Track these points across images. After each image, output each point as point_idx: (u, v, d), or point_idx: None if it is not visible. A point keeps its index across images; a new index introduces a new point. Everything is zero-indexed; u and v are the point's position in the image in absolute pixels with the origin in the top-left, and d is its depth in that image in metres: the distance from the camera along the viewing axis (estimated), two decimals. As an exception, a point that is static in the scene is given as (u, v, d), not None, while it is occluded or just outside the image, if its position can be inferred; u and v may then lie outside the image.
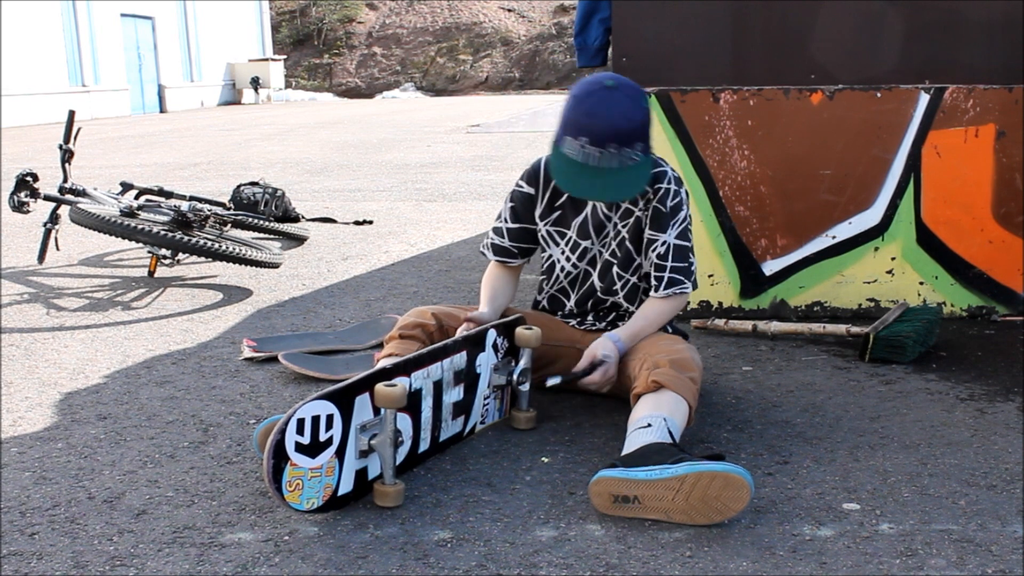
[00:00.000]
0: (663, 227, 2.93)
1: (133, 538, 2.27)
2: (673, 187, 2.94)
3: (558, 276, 3.12)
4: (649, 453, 2.37)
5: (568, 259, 3.08)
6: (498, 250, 3.14)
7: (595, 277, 3.07)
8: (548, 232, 3.09)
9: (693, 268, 2.98)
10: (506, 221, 3.13)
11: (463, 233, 6.45)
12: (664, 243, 2.93)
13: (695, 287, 2.99)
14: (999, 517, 2.33)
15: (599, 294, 3.07)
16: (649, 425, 2.50)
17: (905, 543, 2.21)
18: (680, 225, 2.94)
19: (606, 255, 3.03)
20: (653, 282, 2.96)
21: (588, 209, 3.02)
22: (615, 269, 3.03)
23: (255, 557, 2.18)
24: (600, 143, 2.73)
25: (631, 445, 2.47)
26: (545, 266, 3.16)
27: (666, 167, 2.97)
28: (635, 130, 2.75)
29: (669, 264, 2.93)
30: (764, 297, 4.13)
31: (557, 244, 3.09)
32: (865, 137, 3.99)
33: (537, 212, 3.09)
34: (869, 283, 4.09)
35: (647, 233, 2.96)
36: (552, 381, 2.80)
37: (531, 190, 3.09)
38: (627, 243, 3.00)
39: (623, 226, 3.00)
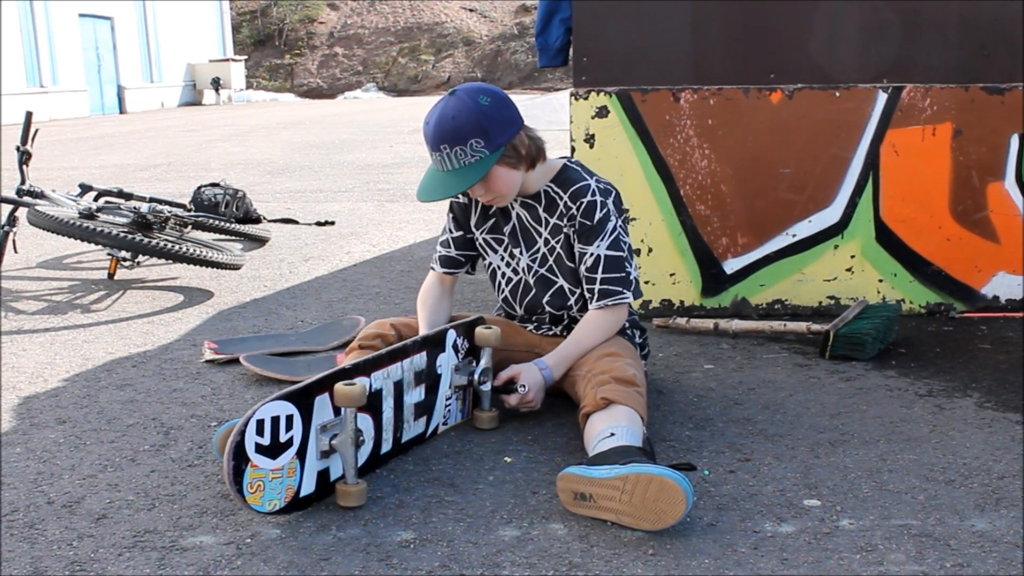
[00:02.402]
0: (590, 240, 2.92)
1: (93, 543, 2.25)
2: (599, 199, 2.92)
3: (500, 284, 3.15)
4: (611, 454, 2.37)
5: (508, 265, 3.10)
6: (445, 261, 3.16)
7: (535, 290, 3.07)
8: (485, 240, 3.12)
9: (632, 277, 2.95)
10: (450, 232, 3.16)
11: (425, 233, 6.44)
12: (593, 255, 2.92)
13: (638, 296, 2.97)
14: (957, 512, 2.35)
15: (552, 310, 3.08)
16: (613, 434, 2.49)
17: (865, 538, 2.23)
18: (610, 236, 2.92)
19: (543, 271, 3.04)
20: (587, 295, 2.97)
21: (514, 217, 3.04)
22: (566, 286, 3.04)
23: (217, 560, 2.16)
24: (435, 147, 2.78)
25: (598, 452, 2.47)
26: (488, 274, 3.20)
27: (589, 181, 2.95)
28: (461, 127, 2.74)
29: (599, 276, 2.91)
30: (725, 295, 4.15)
31: (495, 251, 3.12)
32: (824, 136, 4.02)
33: (472, 221, 3.12)
34: (829, 281, 4.12)
35: (576, 247, 2.96)
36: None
37: (464, 199, 3.11)
38: (565, 260, 3.01)
39: (556, 242, 3.00)
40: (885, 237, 4.07)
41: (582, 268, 2.96)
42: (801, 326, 3.76)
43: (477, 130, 2.75)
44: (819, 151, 4.03)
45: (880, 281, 4.11)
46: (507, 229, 3.07)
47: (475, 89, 2.82)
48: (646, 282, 4.12)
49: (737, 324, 3.85)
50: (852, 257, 4.09)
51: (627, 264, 2.94)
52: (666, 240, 4.08)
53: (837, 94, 3.99)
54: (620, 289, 2.92)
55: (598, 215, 2.91)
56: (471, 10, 41.66)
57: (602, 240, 2.91)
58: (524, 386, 2.85)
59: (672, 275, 4.12)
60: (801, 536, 2.24)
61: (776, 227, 4.09)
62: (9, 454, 2.79)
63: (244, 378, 3.44)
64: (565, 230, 2.97)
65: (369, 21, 41.82)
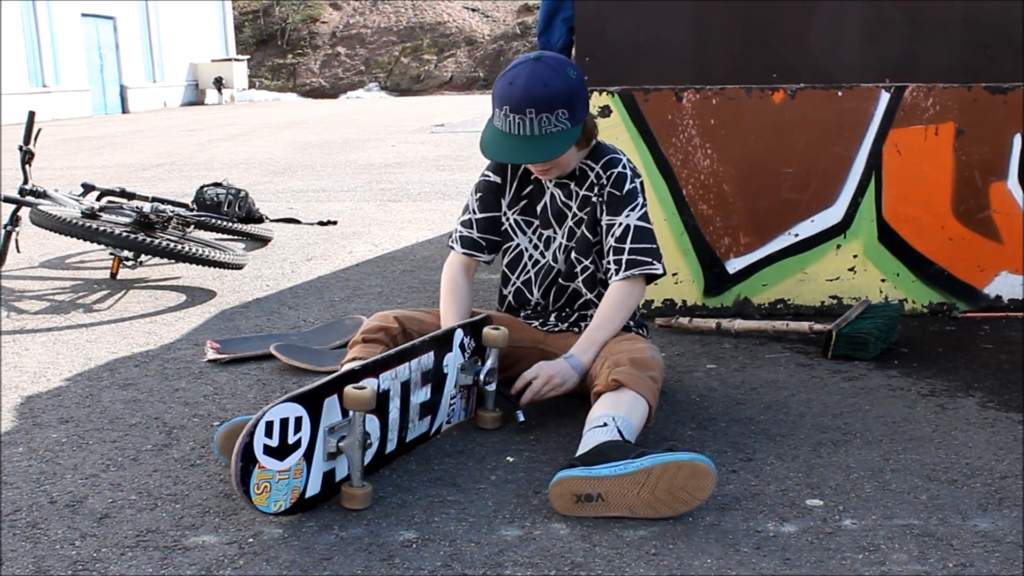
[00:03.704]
0: (619, 210, 2.92)
1: (96, 542, 2.26)
2: (628, 172, 2.95)
3: (525, 265, 3.12)
4: (607, 450, 2.38)
5: (536, 247, 3.09)
6: (466, 242, 3.12)
7: (562, 270, 3.07)
8: (515, 221, 3.10)
9: (659, 251, 2.95)
10: (474, 212, 3.12)
11: (428, 233, 6.44)
12: (622, 225, 2.92)
13: (664, 272, 2.96)
14: (960, 511, 2.35)
15: (561, 280, 3.07)
16: (605, 424, 2.51)
17: (868, 538, 2.23)
18: (640, 209, 2.93)
19: (573, 245, 3.04)
20: (612, 267, 2.94)
21: (547, 197, 3.04)
22: (573, 254, 3.04)
23: (219, 560, 2.16)
24: (519, 109, 2.77)
25: (586, 444, 2.48)
26: (511, 257, 3.15)
27: (621, 155, 2.99)
28: (554, 95, 2.75)
29: (628, 245, 2.90)
30: (728, 295, 4.15)
31: (524, 232, 3.10)
32: (827, 135, 4.02)
33: (505, 201, 3.10)
34: (831, 280, 4.12)
35: (604, 219, 2.95)
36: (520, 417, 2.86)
37: (498, 179, 3.10)
38: (584, 227, 3.00)
39: (584, 213, 3.00)
40: (887, 237, 4.07)
41: (609, 239, 2.94)
42: (803, 326, 3.75)
43: (566, 102, 2.77)
44: (821, 151, 4.03)
45: (882, 281, 4.11)
46: (539, 207, 3.06)
47: (563, 61, 2.84)
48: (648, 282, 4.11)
49: (739, 324, 3.85)
50: (854, 257, 4.09)
51: (655, 239, 2.93)
52: (668, 240, 4.08)
53: (839, 94, 3.99)
54: (650, 260, 2.90)
55: (628, 186, 2.93)
56: (473, 10, 41.65)
57: (632, 211, 2.92)
58: (522, 416, 2.86)
59: (674, 275, 4.12)
60: (803, 536, 2.24)
61: (778, 227, 4.09)
62: (11, 453, 2.79)
63: (246, 378, 3.44)
64: (594, 199, 2.97)
65: (371, 21, 41.82)
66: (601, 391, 2.66)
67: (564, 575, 2.08)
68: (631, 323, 3.07)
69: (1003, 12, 3.91)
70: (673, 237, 4.08)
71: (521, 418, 2.84)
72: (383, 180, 9.55)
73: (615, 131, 3.98)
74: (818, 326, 3.71)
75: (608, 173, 2.94)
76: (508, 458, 2.71)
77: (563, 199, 3.03)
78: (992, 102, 3.96)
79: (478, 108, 23.11)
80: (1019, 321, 4.01)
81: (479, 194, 3.12)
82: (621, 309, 2.91)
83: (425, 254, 5.70)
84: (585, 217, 3.00)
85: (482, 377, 2.91)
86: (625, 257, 2.91)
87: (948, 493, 2.45)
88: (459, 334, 2.88)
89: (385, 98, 35.40)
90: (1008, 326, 3.95)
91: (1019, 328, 3.92)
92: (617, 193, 2.93)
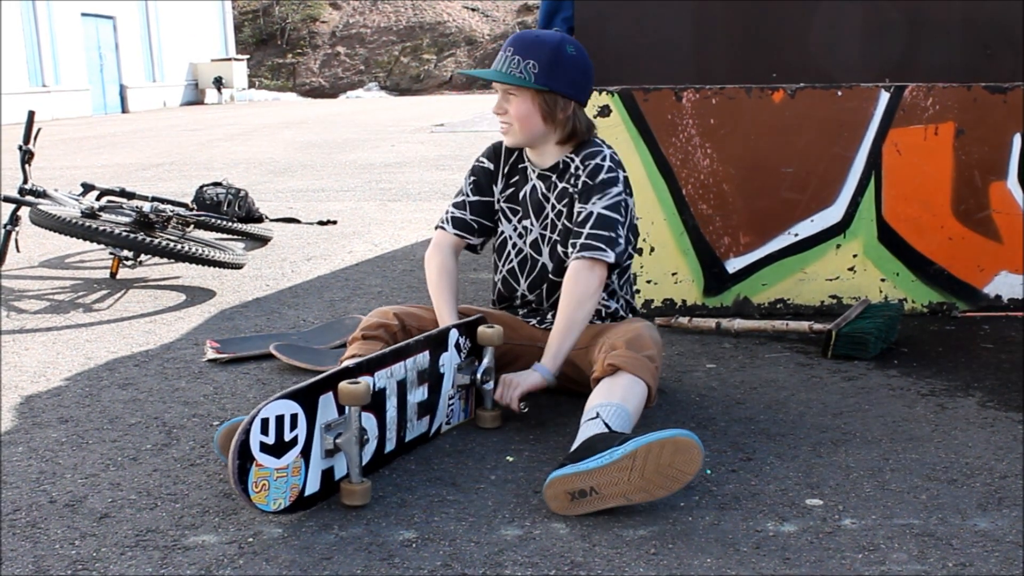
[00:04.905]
0: (589, 198, 2.88)
1: (96, 542, 2.26)
2: (607, 164, 2.90)
3: (509, 254, 3.14)
4: (594, 443, 2.38)
5: (521, 236, 3.11)
6: (458, 223, 3.15)
7: (543, 261, 3.06)
8: (503, 208, 3.13)
9: (619, 240, 2.84)
10: (467, 195, 3.15)
11: (427, 233, 6.43)
12: (586, 211, 2.87)
13: (618, 260, 2.84)
14: (959, 511, 2.35)
15: (551, 276, 3.06)
16: (596, 416, 2.52)
17: (867, 538, 2.22)
18: (610, 199, 2.86)
19: (554, 236, 3.03)
20: (570, 250, 2.88)
21: (528, 187, 3.06)
22: (559, 248, 3.02)
23: (219, 559, 2.16)
24: (505, 46, 2.92)
25: (578, 439, 2.49)
26: (498, 243, 3.17)
27: (604, 148, 2.96)
28: (534, 47, 2.85)
29: (586, 230, 2.84)
30: (727, 295, 4.15)
31: (510, 220, 3.13)
32: (826, 135, 4.02)
33: (497, 188, 3.13)
34: (831, 280, 4.12)
35: (576, 208, 2.92)
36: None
37: (491, 165, 3.14)
38: (564, 219, 3.00)
39: (562, 205, 3.00)
40: (887, 236, 4.07)
41: (575, 225, 2.90)
42: (803, 325, 3.75)
43: (541, 58, 2.84)
44: (821, 150, 4.03)
45: (882, 280, 4.11)
46: (521, 196, 3.08)
47: (572, 39, 2.93)
48: (648, 281, 4.12)
49: (739, 323, 3.85)
50: (854, 256, 4.09)
51: (619, 228, 2.86)
52: (668, 239, 4.08)
53: (839, 93, 3.99)
54: (601, 246, 2.82)
55: (602, 176, 2.89)
56: (473, 9, 41.66)
57: (600, 199, 2.87)
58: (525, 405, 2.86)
59: (674, 274, 4.12)
60: (803, 535, 2.24)
61: (778, 226, 4.09)
62: (11, 453, 2.79)
63: (246, 377, 3.44)
64: (571, 191, 2.97)
65: (371, 20, 41.83)
66: (598, 377, 2.67)
67: (564, 575, 2.08)
68: (627, 313, 3.07)
69: (1003, 12, 3.91)
70: (673, 237, 4.08)
71: (525, 407, 2.85)
72: (383, 180, 9.55)
73: (615, 131, 3.98)
74: (818, 326, 3.71)
75: (586, 164, 2.92)
76: (508, 458, 2.71)
77: (543, 191, 3.04)
78: (992, 102, 3.96)
79: (478, 108, 23.09)
80: (1019, 321, 4.01)
81: (473, 178, 3.16)
82: (581, 307, 2.82)
83: (425, 254, 5.68)
84: (564, 209, 3.00)
85: (479, 376, 2.91)
86: (580, 241, 2.85)
87: (948, 493, 2.45)
88: (454, 334, 2.88)
89: (385, 98, 35.41)
90: (1008, 326, 3.95)
91: (1019, 328, 3.92)
92: (590, 182, 2.89)
